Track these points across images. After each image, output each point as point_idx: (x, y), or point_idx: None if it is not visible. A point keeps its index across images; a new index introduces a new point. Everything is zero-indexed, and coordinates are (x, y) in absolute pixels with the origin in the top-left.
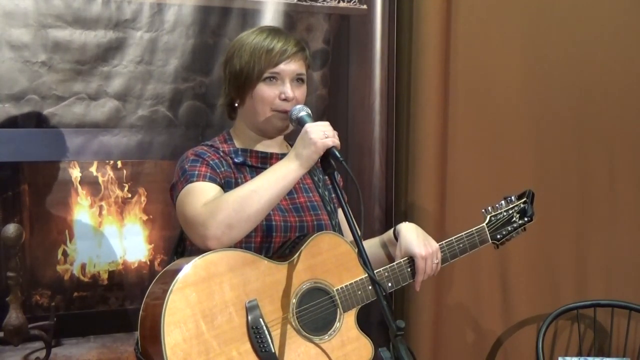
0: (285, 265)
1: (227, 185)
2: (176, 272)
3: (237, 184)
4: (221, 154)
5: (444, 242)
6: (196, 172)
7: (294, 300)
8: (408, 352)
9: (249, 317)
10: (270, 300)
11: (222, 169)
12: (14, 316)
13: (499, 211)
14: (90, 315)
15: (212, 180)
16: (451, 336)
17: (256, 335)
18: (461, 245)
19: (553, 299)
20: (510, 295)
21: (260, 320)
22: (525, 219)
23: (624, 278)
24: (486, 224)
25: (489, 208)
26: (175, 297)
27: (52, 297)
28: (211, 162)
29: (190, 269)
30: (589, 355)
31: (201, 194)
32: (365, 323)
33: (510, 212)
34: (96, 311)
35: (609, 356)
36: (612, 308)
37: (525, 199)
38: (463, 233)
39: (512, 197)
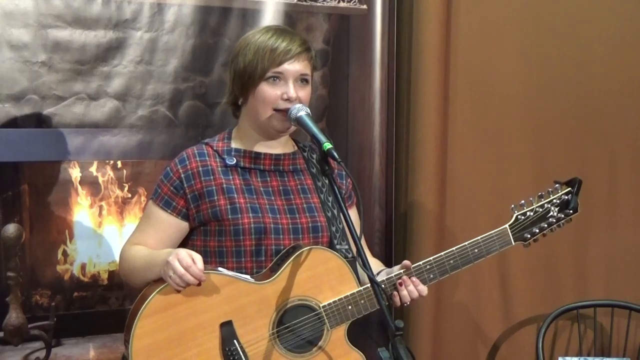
0: (267, 284)
1: (208, 195)
2: (145, 297)
3: (221, 190)
4: (212, 154)
5: (454, 248)
6: (159, 191)
7: (273, 319)
8: (407, 352)
9: (223, 339)
10: (247, 321)
11: (193, 182)
12: (14, 316)
13: (532, 207)
14: (90, 315)
15: (166, 205)
16: (451, 336)
17: (230, 356)
18: (476, 251)
19: (553, 299)
20: (510, 295)
21: (235, 341)
22: (569, 211)
23: (624, 278)
24: (510, 225)
25: (522, 202)
26: (144, 324)
27: (52, 297)
28: (183, 175)
29: (159, 294)
30: (589, 355)
31: (139, 229)
32: (364, 323)
33: (547, 206)
34: (96, 311)
35: (609, 356)
36: (612, 308)
37: (569, 189)
38: (479, 237)
39: (557, 186)
